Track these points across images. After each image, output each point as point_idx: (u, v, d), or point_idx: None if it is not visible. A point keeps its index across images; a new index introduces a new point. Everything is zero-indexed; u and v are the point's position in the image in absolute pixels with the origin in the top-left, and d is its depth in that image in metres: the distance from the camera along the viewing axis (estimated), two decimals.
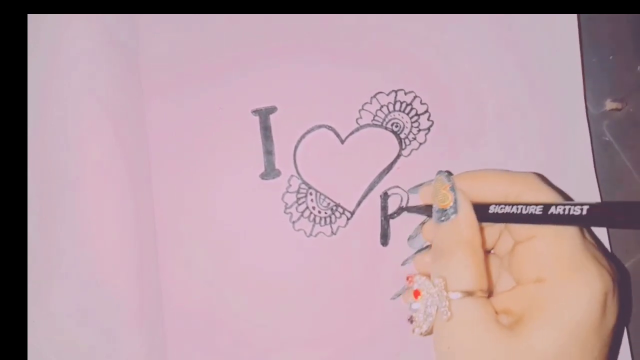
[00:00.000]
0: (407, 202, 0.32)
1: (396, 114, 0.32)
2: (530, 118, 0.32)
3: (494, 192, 0.27)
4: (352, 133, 0.32)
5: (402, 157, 0.32)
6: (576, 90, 0.32)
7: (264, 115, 0.32)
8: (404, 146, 0.32)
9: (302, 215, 0.32)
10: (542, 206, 0.24)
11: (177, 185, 0.32)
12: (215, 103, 0.32)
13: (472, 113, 0.32)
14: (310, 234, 0.32)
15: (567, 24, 0.32)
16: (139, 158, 0.32)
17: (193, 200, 0.32)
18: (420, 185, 0.31)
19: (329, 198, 0.32)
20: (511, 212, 0.25)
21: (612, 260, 0.26)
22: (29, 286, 0.30)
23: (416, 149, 0.32)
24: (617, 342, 0.30)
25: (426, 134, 0.32)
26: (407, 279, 0.27)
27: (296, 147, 0.32)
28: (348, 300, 0.31)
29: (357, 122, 0.32)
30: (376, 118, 0.32)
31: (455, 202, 0.26)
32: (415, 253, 0.31)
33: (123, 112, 0.32)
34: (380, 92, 0.32)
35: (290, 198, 0.32)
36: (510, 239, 0.27)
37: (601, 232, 0.31)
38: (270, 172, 0.32)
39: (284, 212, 0.32)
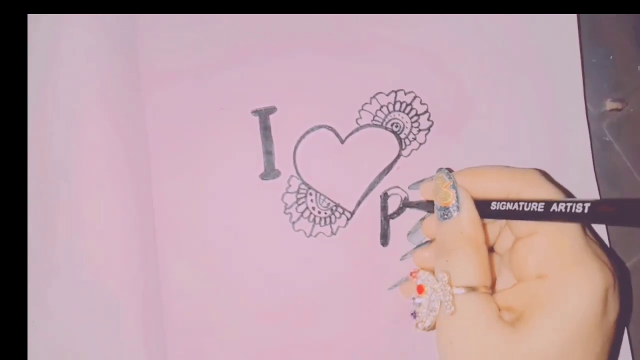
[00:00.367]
0: (407, 199, 0.32)
1: (396, 114, 0.32)
2: (531, 118, 0.32)
3: (495, 188, 0.27)
4: (352, 133, 0.32)
5: (402, 157, 0.32)
6: (576, 90, 0.32)
7: (264, 115, 0.32)
8: (403, 146, 0.32)
9: (301, 215, 0.32)
10: (543, 203, 0.24)
11: (176, 185, 0.32)
12: (215, 103, 0.32)
13: (472, 113, 0.32)
14: (310, 234, 0.32)
15: (567, 24, 0.32)
16: (139, 158, 0.32)
17: (193, 200, 0.32)
18: (421, 181, 0.31)
19: (328, 198, 0.32)
20: (513, 209, 0.25)
21: (612, 257, 0.26)
22: (29, 286, 0.30)
23: (416, 149, 0.32)
24: (619, 338, 0.30)
25: (426, 134, 0.32)
26: (411, 274, 0.28)
27: (296, 148, 0.32)
28: (348, 300, 0.31)
29: (357, 123, 0.32)
30: (376, 118, 0.32)
31: (457, 199, 0.26)
32: (415, 248, 0.31)
33: (123, 113, 0.32)
34: (380, 93, 0.32)
35: (290, 198, 0.32)
36: (510, 236, 0.27)
37: (601, 232, 0.31)
38: (270, 172, 0.32)
39: (284, 212, 0.32)
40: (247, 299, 0.31)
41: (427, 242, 0.30)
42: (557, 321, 0.23)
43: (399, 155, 0.32)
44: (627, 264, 0.32)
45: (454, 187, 0.27)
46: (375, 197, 0.32)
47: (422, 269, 0.29)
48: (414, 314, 0.26)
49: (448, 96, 0.32)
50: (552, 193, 0.26)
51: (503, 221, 0.28)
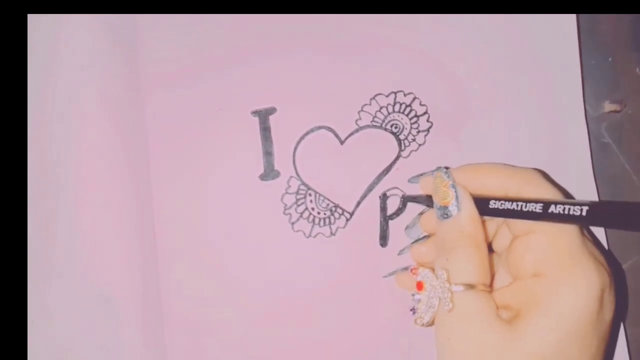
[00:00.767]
0: (406, 204, 0.32)
1: (395, 115, 0.32)
2: (530, 119, 0.32)
3: (494, 186, 0.27)
4: (351, 134, 0.32)
5: (401, 159, 0.32)
6: (575, 92, 0.32)
7: (264, 116, 0.32)
8: (403, 147, 0.32)
9: (301, 216, 0.32)
10: (542, 204, 0.24)
11: (176, 186, 0.32)
12: (214, 104, 0.32)
13: (472, 115, 0.32)
14: (310, 235, 0.32)
15: (566, 26, 0.32)
16: (139, 158, 0.32)
17: (192, 200, 0.32)
18: (421, 175, 0.31)
19: (328, 199, 0.32)
20: (511, 208, 0.25)
21: (608, 258, 0.26)
22: (29, 286, 0.30)
23: (415, 150, 0.32)
24: (614, 337, 0.30)
25: (425, 136, 0.32)
26: (411, 270, 0.28)
27: (295, 148, 0.32)
28: (347, 300, 0.31)
29: (356, 123, 0.32)
30: (375, 119, 0.32)
31: (457, 198, 0.27)
32: (412, 243, 0.31)
33: (123, 113, 0.32)
34: (380, 94, 0.32)
35: (290, 199, 0.32)
36: (507, 234, 0.27)
37: (599, 232, 0.31)
38: (269, 173, 0.32)
39: (283, 213, 0.32)
40: (247, 299, 0.31)
41: (424, 237, 0.31)
42: (553, 320, 0.24)
43: (398, 156, 0.32)
44: (625, 265, 0.32)
45: (453, 186, 0.27)
46: (374, 198, 0.32)
47: (420, 263, 0.30)
48: (413, 310, 0.27)
49: (447, 98, 0.32)
50: (551, 193, 0.26)
51: (501, 219, 0.28)
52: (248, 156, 0.32)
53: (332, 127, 0.32)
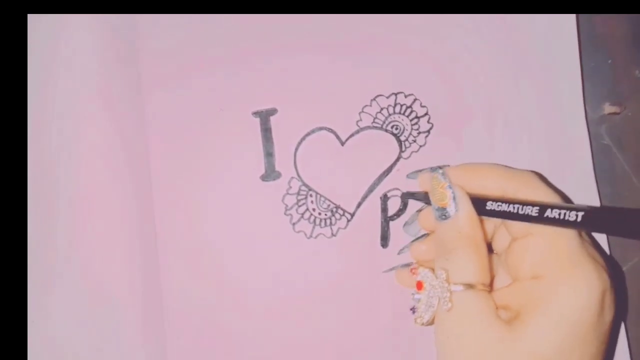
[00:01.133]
0: (407, 203, 0.32)
1: (396, 117, 0.32)
2: (529, 121, 0.32)
3: (491, 186, 0.27)
4: (352, 135, 0.32)
5: (402, 160, 0.32)
6: (575, 94, 0.32)
7: (265, 117, 0.32)
8: (403, 148, 0.32)
9: (302, 216, 0.32)
10: (538, 208, 0.24)
11: (177, 187, 0.32)
12: (215, 105, 0.32)
13: (472, 116, 0.32)
14: (311, 236, 0.32)
15: (566, 27, 0.32)
16: (139, 159, 0.32)
17: (193, 201, 0.32)
18: (420, 171, 0.31)
19: (329, 200, 0.32)
20: (508, 210, 0.25)
21: (607, 259, 0.26)
22: (29, 286, 0.30)
23: (416, 152, 0.32)
24: (614, 339, 0.30)
25: (426, 137, 0.32)
26: (411, 270, 0.28)
27: (296, 149, 0.32)
28: (348, 301, 0.31)
29: (357, 125, 0.32)
30: (376, 120, 0.32)
31: (454, 200, 0.27)
32: (412, 242, 0.31)
33: (123, 113, 0.32)
34: (381, 95, 0.32)
35: (291, 200, 0.32)
36: (506, 235, 0.28)
37: (600, 234, 0.31)
38: (270, 173, 0.32)
39: (284, 213, 0.32)
40: (247, 300, 0.31)
41: (424, 235, 0.31)
42: (553, 321, 0.24)
43: (399, 158, 0.32)
44: (626, 266, 0.32)
45: (450, 187, 0.27)
46: (375, 199, 0.32)
47: (420, 261, 0.30)
48: (413, 309, 0.27)
49: (448, 99, 0.32)
50: (548, 196, 0.26)
51: (499, 220, 0.28)
52: (249, 157, 0.32)
53: (333, 128, 0.32)
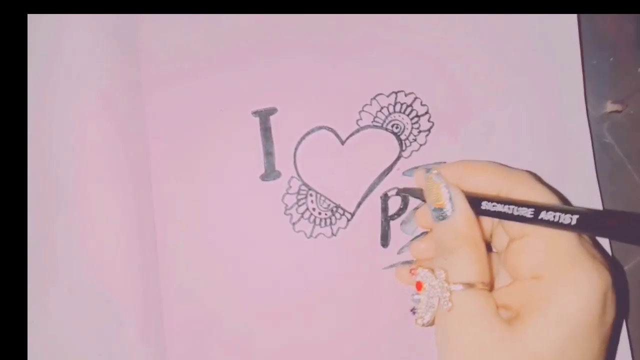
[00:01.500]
0: (407, 202, 0.32)
1: (396, 116, 0.32)
2: (531, 119, 0.32)
3: (486, 185, 0.27)
4: (352, 134, 0.32)
5: (402, 159, 0.32)
6: (577, 92, 0.32)
7: (264, 116, 0.32)
8: (404, 147, 0.32)
9: (302, 216, 0.32)
10: (532, 209, 0.24)
11: (177, 187, 0.32)
12: (215, 104, 0.32)
13: (473, 114, 0.32)
14: (311, 235, 0.32)
15: (567, 25, 0.32)
16: (139, 159, 0.32)
17: (193, 200, 0.32)
18: (416, 168, 0.31)
19: (329, 199, 0.32)
20: (503, 210, 0.25)
21: (607, 257, 0.26)
22: (29, 286, 0.30)
23: (416, 151, 0.32)
24: (616, 338, 0.30)
25: (426, 136, 0.32)
26: (410, 271, 0.28)
27: (296, 149, 0.32)
28: (348, 301, 0.31)
29: (357, 124, 0.32)
30: (376, 119, 0.32)
31: (450, 200, 0.26)
32: (411, 240, 0.31)
33: (123, 113, 0.32)
34: (381, 94, 0.32)
35: (291, 199, 0.32)
36: (505, 234, 0.27)
37: None
38: (270, 173, 0.32)
39: (284, 213, 0.32)
40: (247, 299, 0.31)
41: (423, 233, 0.31)
42: (554, 322, 0.23)
43: (399, 157, 0.32)
44: (628, 266, 0.32)
45: (446, 186, 0.27)
46: (375, 198, 0.32)
47: (420, 260, 0.30)
48: (413, 310, 0.27)
49: (448, 98, 0.32)
50: (544, 196, 0.26)
51: (496, 219, 0.28)
52: (249, 156, 0.32)
53: (333, 127, 0.32)
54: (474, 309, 0.25)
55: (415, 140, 0.32)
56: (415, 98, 0.32)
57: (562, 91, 0.32)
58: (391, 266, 0.31)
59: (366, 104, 0.32)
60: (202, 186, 0.32)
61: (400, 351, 0.31)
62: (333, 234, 0.32)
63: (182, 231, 0.32)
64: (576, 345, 0.23)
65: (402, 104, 0.32)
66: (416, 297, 0.26)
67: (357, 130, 0.32)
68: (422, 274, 0.26)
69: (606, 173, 0.32)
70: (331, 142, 0.32)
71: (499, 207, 0.25)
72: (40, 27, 0.31)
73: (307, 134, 0.32)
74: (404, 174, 0.32)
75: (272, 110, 0.32)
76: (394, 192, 0.32)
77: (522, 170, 0.28)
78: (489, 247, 0.29)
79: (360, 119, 0.32)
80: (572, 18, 0.32)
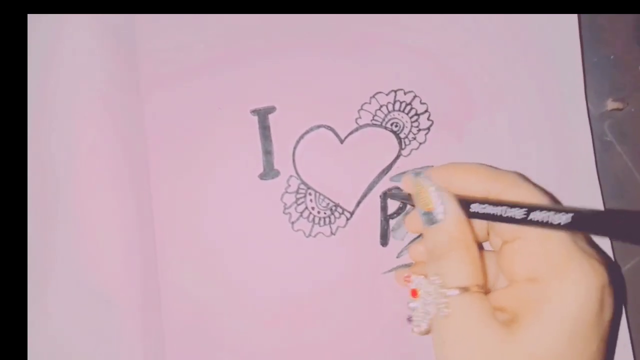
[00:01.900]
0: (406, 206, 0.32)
1: (396, 114, 0.32)
2: (531, 118, 0.32)
3: (475, 187, 0.26)
4: (351, 133, 0.32)
5: (401, 157, 0.32)
6: (577, 90, 0.32)
7: (263, 115, 0.32)
8: (403, 146, 0.32)
9: (301, 215, 0.32)
10: (524, 210, 0.24)
11: (175, 185, 0.32)
12: (213, 103, 0.32)
13: (472, 113, 0.32)
14: (310, 235, 0.32)
15: (567, 23, 0.32)
16: (138, 158, 0.32)
17: (192, 199, 0.32)
18: (403, 173, 0.30)
19: (328, 198, 0.32)
20: (493, 212, 0.25)
21: (602, 254, 0.26)
22: (28, 287, 0.30)
23: (416, 149, 0.32)
24: (614, 336, 0.30)
25: (426, 134, 0.32)
26: (404, 279, 0.27)
27: (295, 147, 0.32)
28: (348, 300, 0.31)
29: (356, 122, 0.32)
30: (376, 118, 0.32)
31: (441, 203, 0.26)
32: (409, 244, 0.31)
33: (122, 113, 0.32)
34: (380, 92, 0.32)
35: (289, 198, 0.32)
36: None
37: None
38: (269, 172, 0.32)
39: (283, 212, 0.32)
40: (246, 299, 0.31)
41: (420, 236, 0.30)
42: (552, 323, 0.23)
43: (398, 155, 0.32)
44: (628, 265, 0.31)
45: (436, 190, 0.26)
46: (374, 197, 0.32)
47: (419, 263, 0.29)
48: (409, 319, 0.26)
49: (448, 95, 0.32)
50: (533, 196, 0.25)
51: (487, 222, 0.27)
52: (247, 155, 0.32)
53: (332, 126, 0.32)
54: (470, 313, 0.24)
55: (414, 138, 0.32)
56: (415, 96, 0.32)
57: (563, 89, 0.32)
58: (391, 270, 0.31)
59: (365, 103, 0.32)
60: (200, 185, 0.32)
61: (400, 351, 0.31)
62: (332, 233, 0.32)
63: (181, 230, 0.32)
64: (575, 344, 0.23)
65: (401, 102, 0.32)
66: (412, 304, 0.26)
67: (356, 129, 0.32)
68: (417, 281, 0.26)
69: (607, 171, 0.32)
70: (330, 140, 0.32)
71: (489, 209, 0.25)
72: (40, 27, 0.31)
73: (306, 132, 0.32)
74: (391, 179, 0.31)
75: (271, 109, 0.32)
76: (393, 191, 0.32)
77: (511, 171, 0.27)
78: (482, 248, 0.29)
79: (360, 117, 0.32)
80: (573, 16, 0.32)
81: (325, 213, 0.32)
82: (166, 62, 0.32)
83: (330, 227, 0.32)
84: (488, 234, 0.29)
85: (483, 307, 0.24)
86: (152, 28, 0.32)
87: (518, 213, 0.24)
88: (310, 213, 0.32)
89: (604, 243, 0.31)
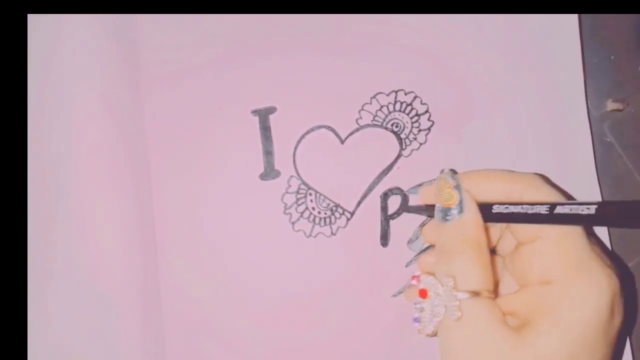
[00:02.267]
0: (407, 201, 0.32)
1: (396, 114, 0.32)
2: (532, 118, 0.32)
3: (496, 192, 0.26)
4: (352, 133, 0.32)
5: (402, 158, 0.32)
6: (577, 91, 0.32)
7: (264, 115, 0.32)
8: (404, 146, 0.32)
9: (301, 215, 0.32)
10: (548, 206, 0.24)
11: (176, 186, 0.32)
12: (214, 103, 0.32)
13: (473, 113, 0.32)
14: (310, 235, 0.32)
15: (568, 24, 0.32)
16: (139, 158, 0.32)
17: (192, 199, 0.32)
18: (421, 185, 0.30)
19: (328, 198, 0.32)
20: (516, 212, 0.25)
21: (615, 260, 0.26)
22: (28, 287, 0.30)
23: (417, 149, 0.32)
24: (622, 341, 0.30)
25: (427, 134, 0.32)
26: (413, 278, 0.27)
27: (296, 148, 0.32)
28: (348, 300, 0.31)
29: (357, 123, 0.32)
30: (376, 118, 0.32)
31: (461, 201, 0.26)
32: (419, 254, 0.30)
33: (123, 112, 0.32)
34: (380, 93, 0.32)
35: (290, 199, 0.32)
36: (512, 239, 0.27)
37: (602, 232, 0.31)
38: (269, 172, 0.32)
39: (284, 212, 0.32)
40: (246, 299, 0.31)
41: (430, 246, 0.30)
42: (564, 329, 0.23)
43: (399, 156, 0.32)
44: (629, 265, 0.31)
45: (458, 188, 0.26)
46: (375, 198, 0.32)
47: (427, 274, 0.29)
48: (416, 320, 0.26)
49: (448, 96, 0.32)
50: (554, 196, 0.25)
51: (503, 225, 0.27)
52: (248, 156, 0.32)
53: (333, 126, 0.32)
54: (480, 318, 0.24)
55: (415, 139, 0.32)
56: (415, 97, 0.32)
57: (563, 89, 0.32)
58: (399, 292, 0.31)
59: (366, 103, 0.32)
60: (201, 185, 0.32)
61: (400, 351, 0.31)
62: (333, 233, 0.32)
63: (182, 230, 0.31)
64: (585, 349, 0.23)
65: (402, 103, 0.32)
66: (419, 305, 0.25)
67: (357, 129, 0.32)
68: (427, 281, 0.25)
69: (607, 172, 0.32)
70: (331, 141, 0.32)
71: (512, 209, 0.25)
72: (40, 27, 0.31)
73: (307, 133, 0.32)
74: (408, 191, 0.31)
75: (272, 110, 0.32)
76: (394, 191, 0.31)
77: (530, 173, 0.27)
78: (492, 252, 0.29)
79: (360, 117, 0.32)
80: (573, 16, 0.32)
81: (325, 213, 0.32)
82: (167, 62, 0.32)
83: (331, 227, 0.32)
84: (498, 241, 0.28)
85: (494, 311, 0.24)
86: (152, 28, 0.32)
87: (543, 209, 0.24)
88: (311, 213, 0.32)
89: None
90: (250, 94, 0.32)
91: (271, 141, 0.32)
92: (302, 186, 0.32)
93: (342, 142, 0.32)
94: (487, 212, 0.26)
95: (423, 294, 0.26)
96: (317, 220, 0.32)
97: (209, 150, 0.32)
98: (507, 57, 0.32)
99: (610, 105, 0.32)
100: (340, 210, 0.32)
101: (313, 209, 0.32)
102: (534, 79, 0.32)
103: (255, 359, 0.31)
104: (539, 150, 0.32)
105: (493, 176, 0.27)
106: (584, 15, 0.32)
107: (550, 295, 0.24)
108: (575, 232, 0.24)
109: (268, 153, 0.32)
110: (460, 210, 0.26)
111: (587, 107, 0.32)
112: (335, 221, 0.32)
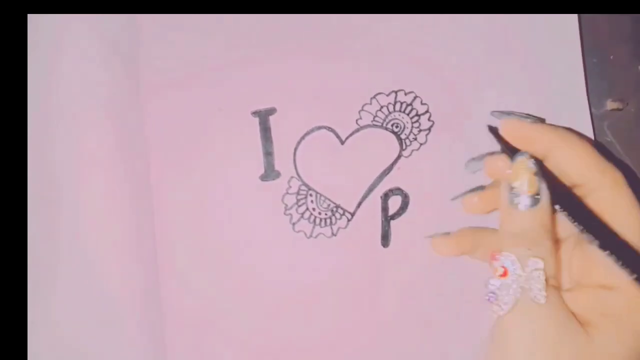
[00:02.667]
0: (408, 201, 0.32)
1: (396, 115, 0.32)
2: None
3: (574, 170, 0.26)
4: (352, 134, 0.32)
5: (402, 158, 0.32)
6: (577, 91, 0.32)
7: (264, 116, 0.32)
8: (404, 147, 0.32)
9: (302, 216, 0.32)
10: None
11: (176, 187, 0.32)
12: (214, 104, 0.32)
13: (473, 113, 0.32)
14: (311, 235, 0.32)
15: (567, 23, 0.32)
16: (139, 160, 0.32)
17: (192, 201, 0.32)
18: (481, 159, 0.29)
19: (329, 199, 0.32)
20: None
21: None
22: (29, 287, 0.30)
23: (417, 150, 0.32)
24: None
25: (427, 135, 0.32)
26: (492, 255, 0.25)
27: (296, 149, 0.32)
28: (349, 301, 0.31)
29: (357, 123, 0.32)
30: (376, 119, 0.32)
31: (539, 191, 0.25)
32: (466, 193, 0.30)
33: (122, 113, 0.32)
34: (380, 93, 0.32)
35: (290, 199, 0.32)
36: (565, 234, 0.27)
37: None
38: (270, 173, 0.32)
39: (284, 213, 0.32)
40: (247, 300, 0.31)
41: (478, 187, 0.30)
42: (631, 333, 0.23)
43: (399, 156, 0.32)
44: None
45: (539, 179, 0.25)
46: (375, 198, 0.32)
47: (468, 212, 0.29)
48: (490, 297, 0.24)
49: (449, 96, 0.32)
50: (630, 205, 0.25)
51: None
52: (248, 157, 0.32)
53: (333, 127, 0.32)
54: (563, 306, 0.24)
55: (415, 139, 0.32)
56: (415, 97, 0.32)
57: (563, 89, 0.32)
58: (459, 196, 0.30)
59: (366, 103, 0.32)
60: (201, 186, 0.32)
61: (400, 351, 0.31)
62: (333, 234, 0.32)
63: (182, 232, 0.31)
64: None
65: (402, 103, 0.32)
66: (497, 283, 0.24)
67: (357, 130, 0.32)
68: (508, 261, 0.24)
69: None
70: (331, 141, 0.32)
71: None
72: (40, 27, 0.31)
73: (307, 133, 0.32)
74: (466, 168, 0.31)
75: (272, 111, 0.32)
76: (394, 191, 0.31)
77: (618, 170, 0.26)
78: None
79: (360, 118, 0.32)
80: (573, 16, 0.32)
81: (326, 214, 0.32)
82: (167, 63, 0.32)
83: (331, 228, 0.32)
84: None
85: (565, 305, 0.24)
86: (153, 28, 0.32)
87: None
88: (311, 214, 0.32)
89: None
90: (251, 95, 0.32)
91: (271, 142, 0.32)
92: (303, 187, 0.32)
93: (342, 142, 0.32)
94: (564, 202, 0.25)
95: (505, 272, 0.24)
96: (317, 221, 0.32)
97: (209, 151, 0.32)
98: (507, 57, 0.32)
99: (610, 104, 0.32)
100: (341, 211, 0.32)
101: (313, 209, 0.32)
102: (534, 78, 0.32)
103: (254, 359, 0.31)
104: None
105: (581, 155, 0.26)
106: (583, 15, 0.32)
107: (615, 300, 0.24)
108: None
109: (268, 154, 0.32)
110: (539, 200, 0.25)
111: (589, 107, 0.32)
112: (336, 222, 0.32)
